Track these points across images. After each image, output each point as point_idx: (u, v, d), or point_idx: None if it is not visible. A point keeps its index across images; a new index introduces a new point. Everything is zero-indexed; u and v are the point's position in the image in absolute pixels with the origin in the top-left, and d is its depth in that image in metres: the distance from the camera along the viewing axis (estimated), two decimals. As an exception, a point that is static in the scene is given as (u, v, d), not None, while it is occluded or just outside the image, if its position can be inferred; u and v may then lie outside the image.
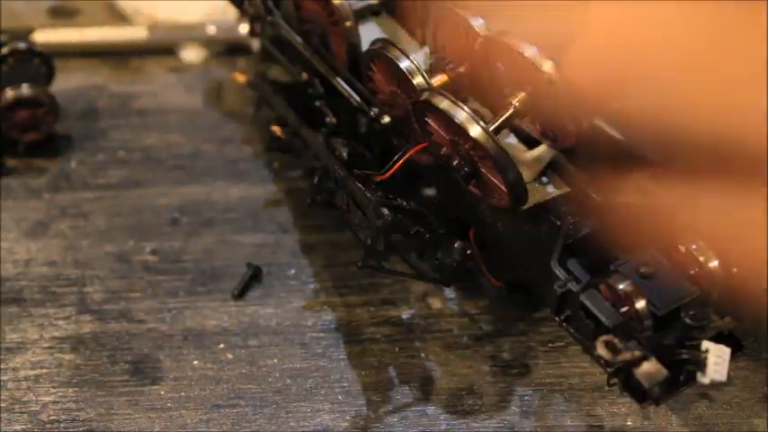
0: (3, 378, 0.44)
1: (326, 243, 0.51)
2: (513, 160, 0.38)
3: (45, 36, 0.63)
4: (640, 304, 0.37)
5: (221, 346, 0.46)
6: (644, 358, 0.35)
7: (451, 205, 0.45)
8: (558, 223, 0.41)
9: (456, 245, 0.44)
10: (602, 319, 0.37)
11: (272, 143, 0.52)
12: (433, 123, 0.41)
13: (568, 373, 0.44)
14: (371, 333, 0.46)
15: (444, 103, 0.39)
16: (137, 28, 0.65)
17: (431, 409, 0.43)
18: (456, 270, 0.45)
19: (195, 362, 0.45)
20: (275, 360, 0.45)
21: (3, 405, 0.43)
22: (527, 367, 0.44)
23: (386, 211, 0.42)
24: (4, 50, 0.56)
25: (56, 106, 0.55)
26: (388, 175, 0.43)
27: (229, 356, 0.45)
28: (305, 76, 0.51)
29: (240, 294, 0.48)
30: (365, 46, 0.45)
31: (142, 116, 0.59)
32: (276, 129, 0.51)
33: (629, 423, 0.42)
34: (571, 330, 0.40)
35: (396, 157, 0.43)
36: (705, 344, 0.36)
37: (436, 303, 0.47)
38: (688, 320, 0.37)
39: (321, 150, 0.47)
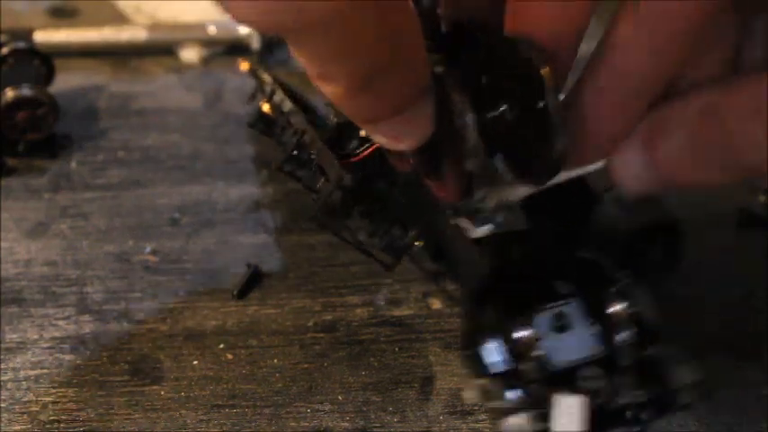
0: (3, 378, 0.44)
1: (326, 243, 0.51)
2: None
3: (45, 36, 0.63)
4: (535, 355, 0.37)
5: (221, 346, 0.46)
6: (514, 411, 0.35)
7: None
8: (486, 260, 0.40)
9: (412, 232, 0.44)
10: (488, 363, 0.37)
11: (256, 121, 0.51)
12: None
13: (568, 373, 0.44)
14: (371, 333, 0.46)
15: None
16: (137, 28, 0.65)
17: (431, 409, 0.43)
18: (402, 253, 0.44)
19: (195, 362, 0.45)
20: (275, 360, 0.45)
21: (3, 405, 0.43)
22: (527, 367, 0.44)
23: (348, 175, 0.42)
24: (4, 50, 0.57)
25: (56, 106, 0.55)
26: (362, 156, 0.42)
27: (229, 356, 0.45)
28: None
29: (240, 294, 0.48)
30: None
31: (142, 116, 0.59)
32: (265, 105, 0.51)
33: (629, 423, 0.42)
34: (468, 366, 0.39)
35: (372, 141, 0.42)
36: (554, 396, 0.36)
37: (436, 303, 0.47)
38: (580, 381, 0.37)
39: (301, 123, 0.46)
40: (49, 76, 0.58)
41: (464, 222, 0.41)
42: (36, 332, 0.46)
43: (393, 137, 0.35)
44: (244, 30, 0.63)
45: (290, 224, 0.52)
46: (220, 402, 0.43)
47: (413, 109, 0.34)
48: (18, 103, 0.54)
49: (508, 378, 0.36)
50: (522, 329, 0.37)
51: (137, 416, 0.43)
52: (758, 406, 0.42)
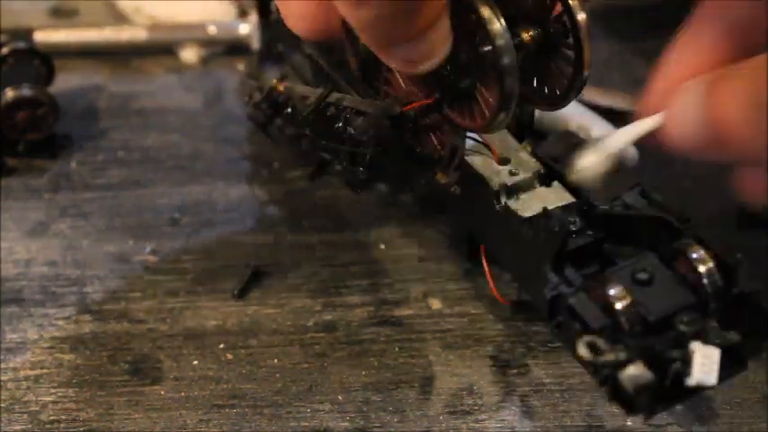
0: (3, 378, 0.44)
1: (326, 243, 0.51)
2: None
3: (45, 36, 0.63)
4: (631, 309, 0.37)
5: (221, 346, 0.46)
6: (628, 361, 0.35)
7: (464, 218, 0.45)
8: (557, 229, 0.40)
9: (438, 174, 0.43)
10: (588, 320, 0.37)
11: (260, 104, 0.51)
12: None
13: (568, 373, 0.44)
14: (371, 333, 0.46)
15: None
16: (137, 28, 0.65)
17: (431, 409, 0.43)
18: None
19: (195, 362, 0.45)
20: (275, 360, 0.45)
21: (3, 405, 0.43)
22: (527, 367, 0.44)
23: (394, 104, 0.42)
24: (4, 50, 0.57)
25: (56, 106, 0.55)
26: (407, 108, 0.42)
27: (229, 356, 0.45)
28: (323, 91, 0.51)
29: (240, 294, 0.48)
30: None
31: (142, 116, 0.59)
32: (279, 85, 0.50)
33: (629, 423, 0.42)
34: (561, 336, 0.39)
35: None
36: (692, 344, 0.35)
37: (436, 303, 0.47)
38: (682, 326, 0.37)
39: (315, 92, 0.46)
40: (49, 76, 0.58)
41: (513, 203, 0.42)
42: (36, 332, 0.46)
43: (410, 60, 0.36)
44: (244, 30, 0.63)
45: (290, 224, 0.52)
46: (220, 402, 0.43)
47: (431, 29, 0.35)
48: (18, 103, 0.54)
49: (609, 333, 0.36)
50: (612, 285, 0.37)
51: (137, 416, 0.43)
52: (758, 406, 0.42)
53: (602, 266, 0.40)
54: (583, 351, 0.35)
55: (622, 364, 0.35)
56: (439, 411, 0.43)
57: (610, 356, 0.35)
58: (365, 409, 0.43)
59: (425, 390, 0.44)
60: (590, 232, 0.41)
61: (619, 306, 0.37)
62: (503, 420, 0.42)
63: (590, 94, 0.58)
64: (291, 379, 0.44)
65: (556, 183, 0.43)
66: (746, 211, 0.51)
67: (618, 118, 0.56)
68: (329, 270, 0.49)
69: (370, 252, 0.50)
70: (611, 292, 0.37)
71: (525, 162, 0.43)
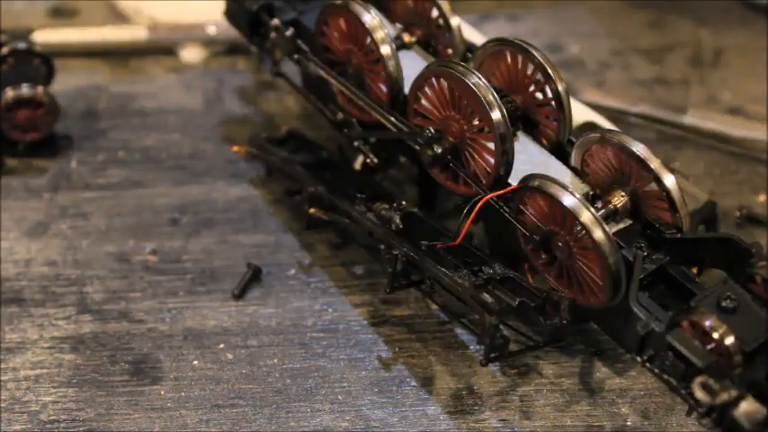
0: (3, 378, 0.44)
1: (326, 243, 0.51)
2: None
3: (45, 36, 0.63)
4: (729, 341, 0.36)
5: (221, 346, 0.46)
6: (741, 398, 0.35)
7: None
8: (631, 259, 0.40)
9: (563, 304, 0.41)
10: (695, 360, 0.36)
11: (311, 222, 0.51)
12: (531, 209, 0.42)
13: (568, 373, 0.44)
14: (371, 333, 0.46)
15: (553, 188, 0.39)
16: (137, 28, 0.65)
17: (431, 409, 0.43)
18: (566, 328, 0.42)
19: (195, 362, 0.45)
20: (275, 360, 0.45)
21: (3, 405, 0.43)
22: (527, 367, 0.44)
23: (488, 297, 0.41)
24: (4, 50, 0.57)
25: (56, 106, 0.55)
26: (459, 240, 0.43)
27: (229, 356, 0.45)
28: (340, 116, 0.50)
29: (240, 294, 0.48)
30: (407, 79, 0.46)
31: (142, 116, 0.59)
32: (315, 212, 0.49)
33: (628, 423, 0.42)
34: (656, 371, 0.39)
35: (462, 217, 0.43)
36: None
37: (436, 303, 0.47)
38: None
39: (377, 229, 0.46)
40: (49, 76, 0.58)
41: None
42: (36, 332, 0.46)
43: None
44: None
45: (290, 224, 0.52)
46: (220, 402, 0.43)
47: None
48: (18, 103, 0.54)
49: (714, 369, 0.36)
50: (707, 318, 0.37)
51: (137, 416, 0.43)
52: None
53: (670, 291, 0.40)
54: (700, 394, 0.35)
55: (736, 402, 0.35)
56: (439, 411, 0.43)
57: (724, 396, 0.35)
58: (365, 409, 0.43)
59: (425, 390, 0.44)
60: (657, 256, 0.41)
61: (716, 336, 0.37)
62: (503, 420, 0.42)
63: (590, 94, 0.58)
64: (291, 379, 0.44)
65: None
66: (746, 211, 0.51)
67: (618, 118, 0.56)
68: (329, 270, 0.49)
69: (370, 252, 0.50)
70: (708, 324, 0.37)
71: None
